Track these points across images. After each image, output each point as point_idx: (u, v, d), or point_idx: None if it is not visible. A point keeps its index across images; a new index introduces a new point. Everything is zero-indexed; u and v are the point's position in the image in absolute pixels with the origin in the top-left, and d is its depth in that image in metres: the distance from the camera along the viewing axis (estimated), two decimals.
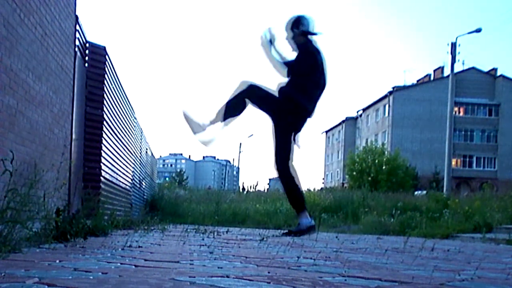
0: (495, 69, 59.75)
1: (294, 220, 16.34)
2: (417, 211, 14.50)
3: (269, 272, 2.25)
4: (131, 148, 10.69)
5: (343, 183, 53.21)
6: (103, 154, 7.54)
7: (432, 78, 60.67)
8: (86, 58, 7.31)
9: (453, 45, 26.75)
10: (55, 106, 5.42)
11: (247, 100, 5.85)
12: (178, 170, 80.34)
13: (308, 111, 5.90)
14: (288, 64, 6.04)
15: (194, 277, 1.99)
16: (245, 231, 7.86)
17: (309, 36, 5.95)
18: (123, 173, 9.68)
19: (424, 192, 25.38)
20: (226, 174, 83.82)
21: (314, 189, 28.94)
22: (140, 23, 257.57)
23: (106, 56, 7.58)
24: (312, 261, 2.89)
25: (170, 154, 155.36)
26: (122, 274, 2.00)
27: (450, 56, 26.98)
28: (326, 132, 76.76)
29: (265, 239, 5.05)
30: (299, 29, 5.90)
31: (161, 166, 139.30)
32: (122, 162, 9.45)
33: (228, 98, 5.85)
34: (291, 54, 6.09)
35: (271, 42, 6.10)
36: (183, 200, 18.91)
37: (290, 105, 5.79)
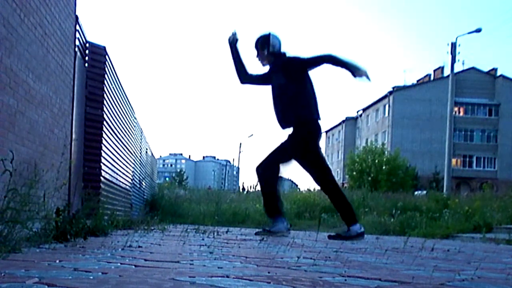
0: (495, 69, 59.80)
1: (294, 220, 16.39)
2: (417, 211, 14.46)
3: (269, 272, 2.25)
4: (131, 148, 10.68)
5: (343, 183, 53.19)
6: (103, 154, 7.54)
7: (432, 78, 60.71)
8: (86, 58, 7.31)
9: (453, 45, 26.79)
10: (55, 106, 5.42)
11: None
12: (178, 170, 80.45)
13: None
14: (266, 76, 6.05)
15: (194, 277, 1.99)
16: (245, 231, 7.86)
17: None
18: (123, 173, 9.68)
19: (424, 192, 25.35)
20: (226, 174, 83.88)
21: (314, 189, 28.89)
22: (140, 23, 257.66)
23: (106, 56, 7.58)
24: (312, 261, 2.89)
25: (170, 154, 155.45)
26: (122, 274, 2.00)
27: (450, 56, 27.04)
28: (326, 132, 76.77)
29: (265, 239, 5.05)
30: (270, 50, 5.91)
31: (161, 166, 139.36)
32: (122, 162, 9.45)
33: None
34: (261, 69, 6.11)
35: (236, 42, 6.08)
36: (183, 200, 18.87)
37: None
